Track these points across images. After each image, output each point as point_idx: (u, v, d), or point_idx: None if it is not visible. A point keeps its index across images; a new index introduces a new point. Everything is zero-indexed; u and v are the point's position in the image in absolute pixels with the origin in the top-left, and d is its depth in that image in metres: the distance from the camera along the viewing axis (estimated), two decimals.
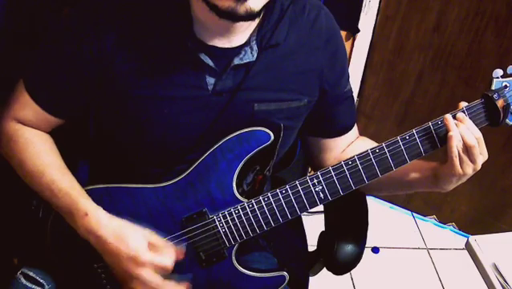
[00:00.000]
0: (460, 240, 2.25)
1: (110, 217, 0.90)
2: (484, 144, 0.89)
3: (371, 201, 2.14)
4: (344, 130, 1.07)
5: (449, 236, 2.29)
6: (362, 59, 2.05)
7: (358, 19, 1.94)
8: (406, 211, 2.38)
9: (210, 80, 0.90)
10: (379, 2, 1.91)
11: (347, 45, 2.02)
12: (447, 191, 0.95)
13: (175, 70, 0.89)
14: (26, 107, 0.95)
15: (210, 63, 0.89)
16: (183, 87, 0.90)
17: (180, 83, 0.90)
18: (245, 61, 0.90)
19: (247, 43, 0.91)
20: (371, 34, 1.99)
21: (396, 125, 2.17)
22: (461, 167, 0.88)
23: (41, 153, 0.95)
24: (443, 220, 2.33)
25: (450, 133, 0.87)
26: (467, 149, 0.87)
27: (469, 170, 0.89)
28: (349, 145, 1.09)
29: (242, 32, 0.89)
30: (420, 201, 2.33)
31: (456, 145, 0.87)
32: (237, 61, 0.90)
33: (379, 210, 2.34)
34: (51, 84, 0.94)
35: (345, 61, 1.04)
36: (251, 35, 0.91)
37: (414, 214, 2.37)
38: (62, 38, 0.91)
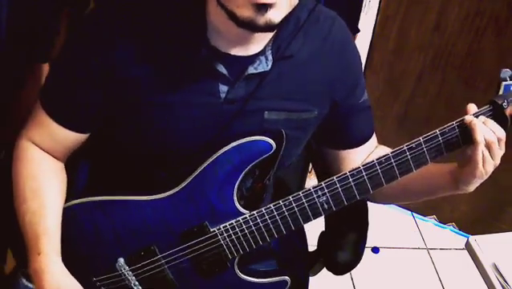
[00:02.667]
0: (460, 240, 2.24)
1: (61, 270, 0.88)
2: (504, 141, 0.87)
3: None
4: (362, 141, 1.05)
5: (449, 236, 2.29)
6: (362, 59, 2.05)
7: (358, 19, 1.94)
8: (406, 211, 2.38)
9: (223, 88, 0.89)
10: (379, 2, 1.91)
11: None
12: (467, 192, 0.94)
13: (188, 77, 0.88)
14: (41, 125, 0.93)
15: (224, 71, 0.88)
16: (196, 94, 0.89)
17: (193, 90, 0.89)
18: (259, 70, 0.89)
19: (262, 53, 0.89)
20: (371, 34, 1.99)
21: (397, 125, 2.17)
22: (484, 167, 0.87)
23: (36, 176, 0.93)
24: (443, 220, 2.33)
25: (477, 139, 0.84)
26: (488, 147, 0.86)
27: (491, 168, 0.88)
28: (369, 155, 1.06)
29: (259, 42, 0.88)
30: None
31: (482, 150, 0.85)
32: (251, 70, 0.89)
33: (379, 210, 2.33)
34: (64, 94, 0.92)
35: (359, 71, 1.02)
36: (267, 45, 0.89)
37: (414, 214, 2.37)
38: (74, 47, 0.91)
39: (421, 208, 2.35)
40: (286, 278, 1.00)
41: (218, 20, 0.84)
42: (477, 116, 0.87)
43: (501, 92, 0.88)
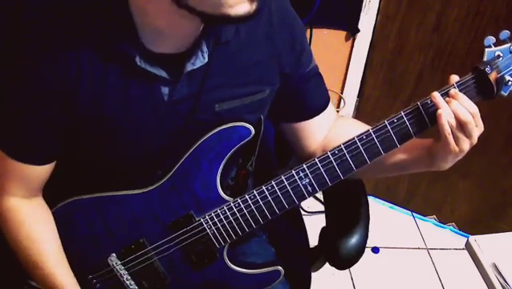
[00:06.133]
0: (460, 240, 2.25)
1: None
2: (479, 117, 0.83)
3: (372, 201, 2.14)
4: (318, 110, 1.02)
5: (449, 236, 2.29)
6: (362, 59, 2.05)
7: (358, 19, 1.94)
8: (406, 211, 2.38)
9: (164, 90, 0.86)
10: (379, 2, 1.91)
11: (347, 45, 2.02)
12: (444, 169, 0.89)
13: (129, 87, 0.84)
14: (9, 172, 0.90)
15: (162, 73, 0.84)
16: (139, 102, 0.85)
17: (136, 99, 0.85)
18: (197, 66, 0.85)
19: (197, 47, 0.85)
20: (371, 34, 1.99)
21: None
22: (457, 144, 0.83)
23: (33, 238, 0.92)
24: (443, 220, 2.33)
25: (439, 111, 0.82)
26: (461, 125, 0.82)
27: (466, 146, 0.84)
28: (331, 129, 1.04)
29: (191, 35, 0.84)
30: (420, 201, 2.33)
31: (447, 123, 0.82)
32: (189, 67, 0.85)
33: (379, 210, 2.34)
34: (21, 132, 0.87)
35: (303, 39, 0.98)
36: (200, 38, 0.85)
37: (414, 214, 2.37)
38: (14, 84, 0.84)
39: (421, 208, 2.35)
40: (279, 267, 0.99)
41: (162, 22, 0.79)
42: (459, 85, 0.83)
43: (485, 59, 0.84)
